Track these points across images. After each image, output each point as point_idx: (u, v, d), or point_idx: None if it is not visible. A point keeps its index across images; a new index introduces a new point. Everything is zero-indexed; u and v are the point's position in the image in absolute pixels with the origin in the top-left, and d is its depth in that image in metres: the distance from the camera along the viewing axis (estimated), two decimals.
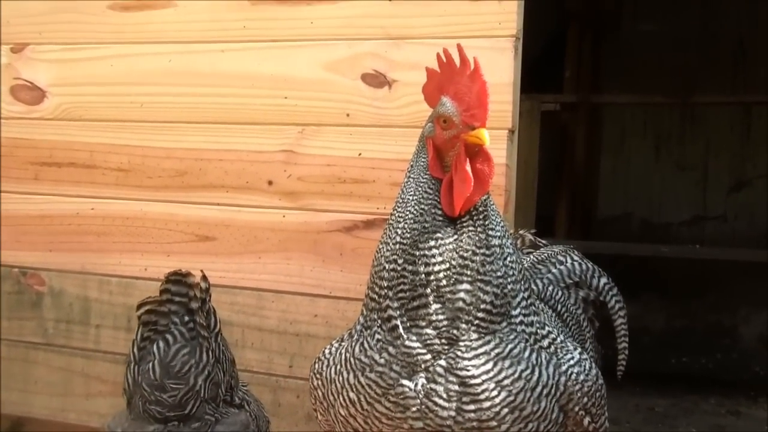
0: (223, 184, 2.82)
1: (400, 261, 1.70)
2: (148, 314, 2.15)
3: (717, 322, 5.37)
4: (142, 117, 2.92)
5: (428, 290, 1.67)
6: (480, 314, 1.66)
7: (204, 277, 2.19)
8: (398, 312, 1.69)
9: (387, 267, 1.72)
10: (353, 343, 1.76)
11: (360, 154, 2.64)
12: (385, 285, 1.71)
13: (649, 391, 4.22)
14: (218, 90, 2.81)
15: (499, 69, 2.44)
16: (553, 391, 1.68)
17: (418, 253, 1.69)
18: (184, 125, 2.87)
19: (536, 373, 1.66)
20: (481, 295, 1.66)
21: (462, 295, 1.66)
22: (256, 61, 2.76)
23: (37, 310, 3.08)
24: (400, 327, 1.68)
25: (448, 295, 1.66)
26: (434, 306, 1.67)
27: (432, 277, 1.67)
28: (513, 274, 1.71)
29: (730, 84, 5.77)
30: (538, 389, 1.65)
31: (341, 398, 1.75)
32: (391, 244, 1.73)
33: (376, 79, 2.62)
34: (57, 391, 3.07)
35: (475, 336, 1.65)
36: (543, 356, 1.69)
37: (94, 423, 2.88)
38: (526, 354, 1.67)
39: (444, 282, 1.67)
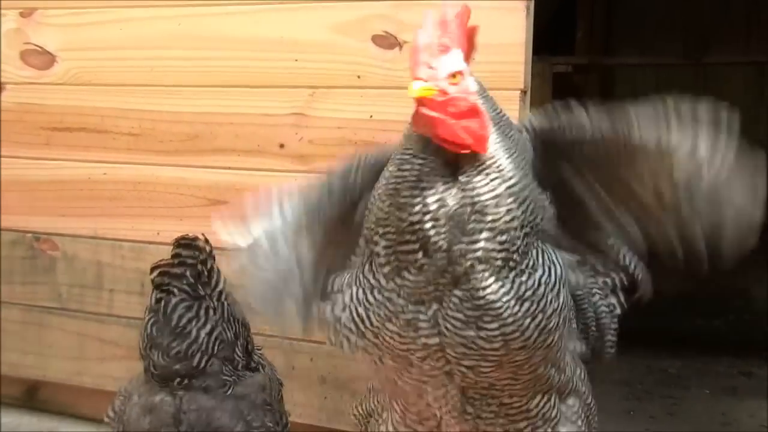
0: (234, 148, 2.81)
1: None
2: (161, 276, 2.17)
3: (729, 284, 5.35)
4: (151, 81, 2.91)
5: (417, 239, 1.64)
6: (493, 260, 1.63)
7: (206, 240, 2.21)
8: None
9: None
10: (359, 265, 1.75)
11: (371, 117, 2.63)
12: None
13: (661, 353, 4.21)
14: (228, 53, 2.79)
15: (511, 29, 2.42)
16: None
17: (409, 202, 1.65)
18: (194, 89, 2.86)
19: (551, 271, 1.67)
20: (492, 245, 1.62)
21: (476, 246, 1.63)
22: (265, 23, 2.75)
23: (50, 275, 3.10)
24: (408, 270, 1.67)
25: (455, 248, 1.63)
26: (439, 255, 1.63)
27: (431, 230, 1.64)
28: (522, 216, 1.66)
29: (744, 44, 5.72)
30: (557, 286, 1.67)
31: (347, 312, 1.75)
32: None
33: (386, 41, 2.60)
34: (71, 355, 3.09)
35: (488, 274, 1.63)
36: (549, 249, 1.70)
37: (108, 386, 2.90)
38: (540, 259, 1.67)
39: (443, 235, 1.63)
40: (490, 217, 1.62)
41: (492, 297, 1.62)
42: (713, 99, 1.67)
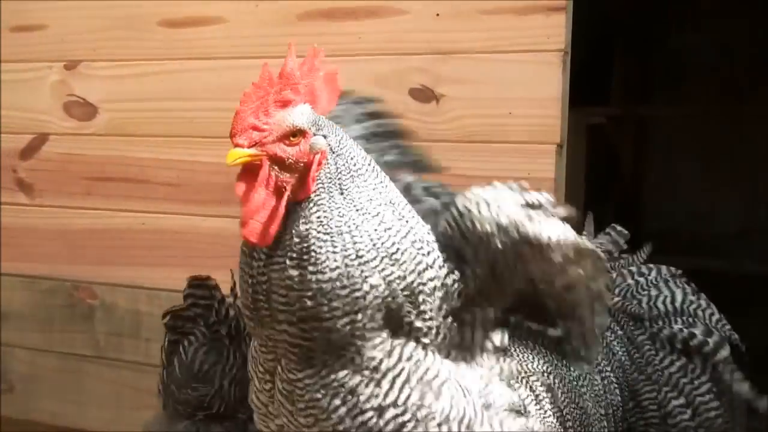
0: None
1: None
2: (173, 319, 2.23)
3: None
4: (191, 132, 2.95)
5: None
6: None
7: (216, 285, 2.27)
8: None
9: None
10: None
11: None
12: None
13: None
14: None
15: (547, 83, 2.43)
16: None
17: None
18: None
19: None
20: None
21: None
22: None
23: (89, 324, 3.12)
24: None
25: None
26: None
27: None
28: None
29: None
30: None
31: None
32: None
33: (424, 94, 2.62)
34: (108, 404, 3.11)
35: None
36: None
37: None
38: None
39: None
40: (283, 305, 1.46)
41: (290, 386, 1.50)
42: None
